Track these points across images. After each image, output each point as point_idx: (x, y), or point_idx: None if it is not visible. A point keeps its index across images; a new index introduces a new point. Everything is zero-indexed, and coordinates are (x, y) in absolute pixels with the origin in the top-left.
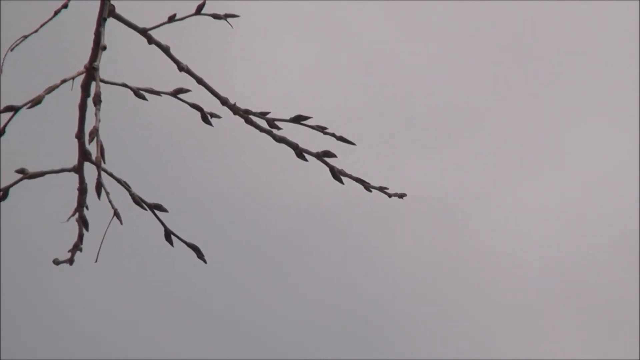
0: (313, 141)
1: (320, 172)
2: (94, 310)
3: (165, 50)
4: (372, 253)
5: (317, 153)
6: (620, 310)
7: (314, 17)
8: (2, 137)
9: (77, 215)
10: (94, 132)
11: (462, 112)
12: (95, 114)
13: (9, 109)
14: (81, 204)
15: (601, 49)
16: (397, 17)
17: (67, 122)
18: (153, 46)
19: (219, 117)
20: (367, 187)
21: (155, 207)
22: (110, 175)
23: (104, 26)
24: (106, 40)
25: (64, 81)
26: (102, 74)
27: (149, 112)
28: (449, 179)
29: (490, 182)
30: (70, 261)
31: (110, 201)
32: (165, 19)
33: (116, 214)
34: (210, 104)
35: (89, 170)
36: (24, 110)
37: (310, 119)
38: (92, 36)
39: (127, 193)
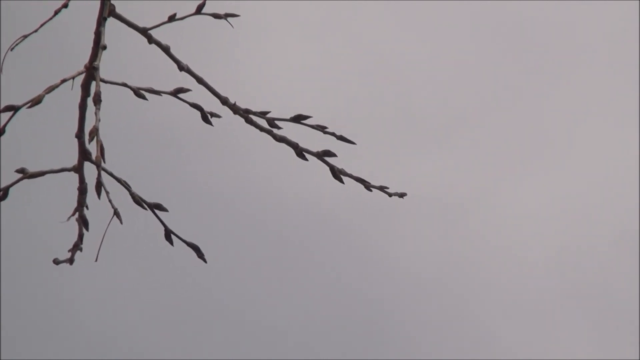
0: (313, 141)
1: (321, 171)
2: (94, 309)
3: (166, 49)
4: (374, 252)
5: (318, 152)
6: (621, 309)
7: (314, 16)
8: (2, 137)
9: (77, 214)
10: (94, 132)
11: (464, 111)
12: (95, 114)
13: (8, 108)
14: (81, 203)
15: (603, 48)
16: (397, 16)
17: (67, 121)
18: (153, 46)
19: (219, 116)
20: (368, 186)
21: (155, 207)
22: (110, 174)
23: (104, 26)
24: (106, 39)
25: (64, 81)
26: (102, 73)
27: (149, 111)
28: (451, 178)
29: (492, 181)
30: (71, 261)
31: (110, 201)
32: (166, 19)
33: (116, 213)
34: (211, 104)
35: (89, 169)
36: (24, 109)
37: (310, 119)
38: (92, 36)
39: (127, 193)
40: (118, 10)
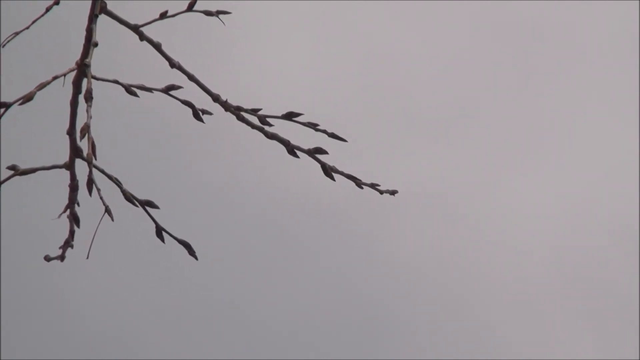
0: (305, 138)
1: (313, 169)
2: (85, 306)
3: (157, 46)
4: (371, 248)
5: (309, 150)
6: (621, 306)
7: (306, 13)
8: None
9: (68, 211)
10: (85, 129)
11: (461, 107)
12: (87, 111)
13: (0, 105)
14: (72, 200)
15: (602, 45)
16: (391, 11)
17: (58, 118)
18: (145, 43)
19: (210, 113)
20: (359, 184)
21: (147, 204)
22: (102, 171)
23: (95, 23)
24: (98, 36)
25: (55, 78)
26: (94, 70)
27: (141, 108)
28: (449, 174)
29: (491, 177)
30: (62, 258)
31: (101, 198)
32: (157, 16)
33: (107, 210)
34: (202, 101)
35: (80, 166)
36: (15, 106)
37: (301, 116)
38: (84, 33)
39: (118, 190)
40: (109, 7)
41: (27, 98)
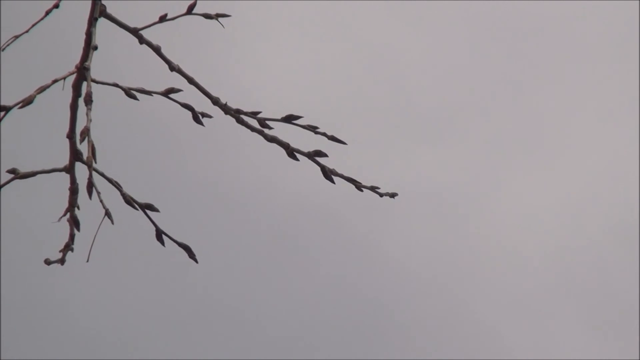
0: (305, 140)
1: (313, 171)
2: (85, 310)
3: (157, 50)
4: (371, 250)
5: (309, 153)
6: (622, 307)
7: (306, 16)
8: None
9: (68, 215)
10: (85, 132)
11: (461, 110)
12: (87, 114)
13: (0, 108)
14: (72, 204)
15: (602, 46)
16: (390, 13)
17: (58, 122)
18: (144, 46)
19: (210, 116)
20: (359, 186)
21: (147, 207)
22: (102, 175)
23: (95, 26)
24: (97, 40)
25: (55, 81)
26: (93, 73)
27: (140, 112)
28: (449, 176)
29: (491, 179)
30: (62, 261)
31: (101, 201)
32: (157, 19)
33: (107, 213)
34: (202, 104)
35: (80, 170)
36: (15, 110)
37: (301, 119)
38: (84, 36)
39: (118, 193)
40: (109, 10)
41: (27, 101)
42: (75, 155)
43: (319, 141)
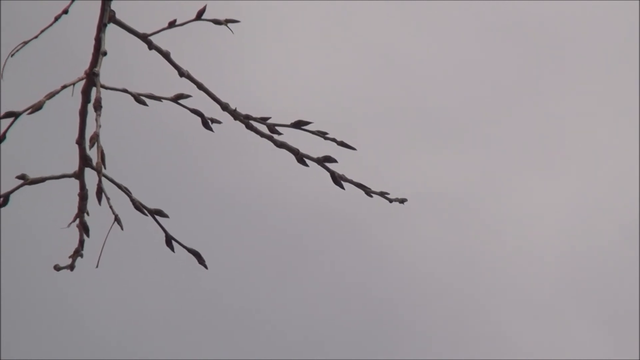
0: (314, 145)
1: (322, 176)
2: (95, 315)
3: (166, 55)
4: (383, 251)
5: (318, 158)
6: (631, 307)
7: (315, 21)
8: (3, 143)
9: (77, 221)
10: (95, 138)
11: (472, 113)
12: (96, 120)
13: (9, 114)
14: (82, 209)
15: (615, 50)
16: (402, 17)
17: (67, 127)
18: (153, 52)
19: (219, 122)
20: (368, 192)
21: (156, 213)
22: (111, 180)
23: (104, 32)
24: (107, 45)
25: (64, 87)
26: (103, 79)
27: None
28: (460, 179)
29: (502, 181)
30: (71, 267)
31: (110, 207)
32: (166, 25)
33: (117, 219)
34: (211, 110)
35: (90, 175)
36: (24, 116)
37: (310, 124)
38: (93, 42)
39: (127, 198)
40: (118, 16)
41: (37, 107)
42: (85, 161)
43: (329, 147)
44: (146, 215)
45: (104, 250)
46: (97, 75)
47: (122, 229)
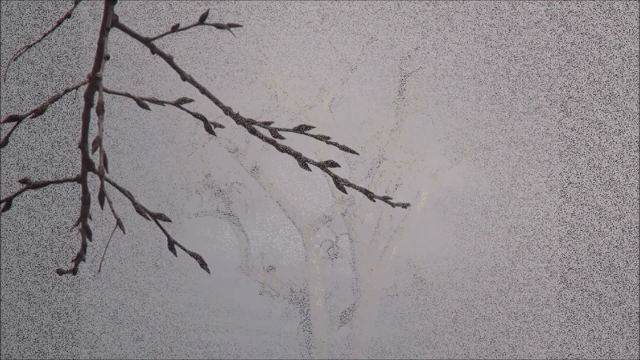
0: (317, 150)
1: (325, 181)
2: (97, 318)
3: (169, 59)
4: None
5: (321, 163)
6: (633, 306)
7: (318, 25)
8: (5, 147)
9: (80, 225)
10: (97, 142)
11: (475, 117)
12: (99, 124)
13: (12, 118)
14: (85, 214)
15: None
16: (403, 19)
17: (70, 131)
18: (156, 56)
19: (222, 126)
20: (371, 197)
21: (159, 217)
22: (114, 184)
23: (107, 36)
24: (109, 49)
25: (67, 91)
26: (105, 83)
27: (152, 121)
28: (464, 181)
29: (506, 185)
30: (74, 271)
31: (113, 210)
32: (169, 29)
33: (119, 223)
34: (214, 113)
35: (92, 179)
36: (27, 119)
37: (313, 129)
38: (96, 46)
39: (130, 202)
40: (121, 20)
41: (39, 111)
42: (88, 164)
43: (332, 151)
44: (148, 219)
45: (106, 253)
46: (99, 79)
47: (124, 232)
